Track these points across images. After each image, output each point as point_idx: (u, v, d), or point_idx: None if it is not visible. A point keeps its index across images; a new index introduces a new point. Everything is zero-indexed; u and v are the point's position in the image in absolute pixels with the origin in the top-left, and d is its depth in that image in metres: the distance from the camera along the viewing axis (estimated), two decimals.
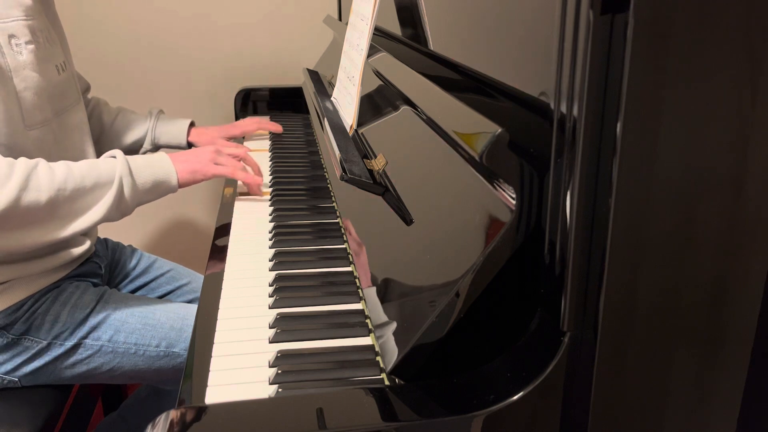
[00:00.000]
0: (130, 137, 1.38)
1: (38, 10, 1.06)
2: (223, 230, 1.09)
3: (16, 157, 0.94)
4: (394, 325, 0.69)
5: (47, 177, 0.92)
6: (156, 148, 1.42)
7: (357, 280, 0.88)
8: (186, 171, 1.08)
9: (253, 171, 1.22)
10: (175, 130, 1.41)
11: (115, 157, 1.02)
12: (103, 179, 0.97)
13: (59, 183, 0.93)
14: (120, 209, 1.00)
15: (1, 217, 0.88)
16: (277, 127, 1.58)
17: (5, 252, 0.96)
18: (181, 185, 1.08)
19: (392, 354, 0.66)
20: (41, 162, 0.94)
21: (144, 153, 1.41)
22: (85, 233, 1.14)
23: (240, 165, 1.17)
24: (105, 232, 1.34)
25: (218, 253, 1.01)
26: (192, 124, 1.44)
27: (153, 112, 1.42)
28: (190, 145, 1.43)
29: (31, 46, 0.99)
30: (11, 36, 0.97)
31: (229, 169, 1.14)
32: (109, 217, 0.99)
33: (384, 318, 0.73)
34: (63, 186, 0.93)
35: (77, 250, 1.11)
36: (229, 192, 1.24)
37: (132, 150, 1.41)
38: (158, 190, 1.05)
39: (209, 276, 0.93)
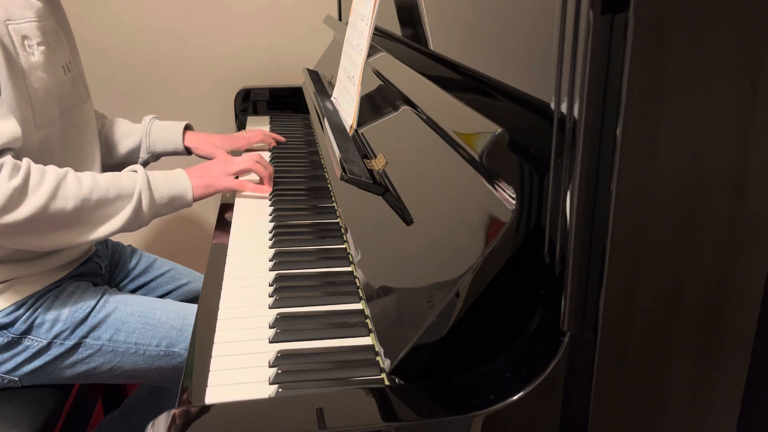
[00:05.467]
0: (125, 146, 1.35)
1: (48, 11, 1.06)
2: (223, 230, 1.09)
3: (21, 156, 0.95)
4: (394, 325, 0.69)
5: (75, 186, 0.96)
6: (154, 155, 1.38)
7: (357, 280, 0.88)
8: (200, 186, 1.12)
9: (265, 178, 1.23)
10: (169, 135, 1.38)
11: (136, 171, 1.06)
12: (125, 191, 1.02)
13: (85, 193, 0.97)
14: (137, 221, 1.03)
15: (29, 222, 0.92)
16: (281, 138, 1.56)
17: (22, 250, 0.99)
18: (195, 200, 1.12)
19: (392, 354, 0.66)
20: (70, 171, 0.98)
21: (143, 162, 1.38)
22: None
23: (253, 167, 1.20)
24: None
25: (218, 252, 1.01)
26: (188, 127, 1.40)
27: (147, 119, 1.39)
28: (188, 151, 1.40)
29: (42, 48, 1.00)
30: (24, 37, 0.98)
31: (238, 184, 1.18)
32: (127, 227, 1.02)
33: (384, 318, 0.73)
34: (88, 196, 0.97)
35: (78, 250, 1.12)
36: (229, 192, 1.24)
37: (130, 160, 1.38)
38: (174, 204, 1.09)
39: (209, 276, 0.93)
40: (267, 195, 1.23)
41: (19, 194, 0.91)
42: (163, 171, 1.10)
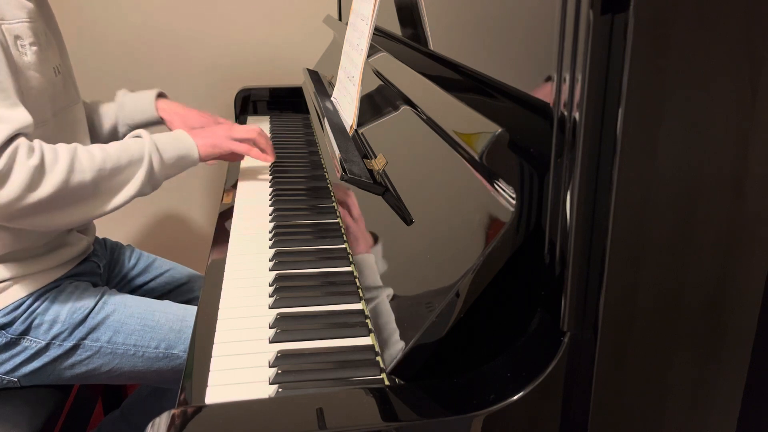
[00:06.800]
0: (106, 125, 1.34)
1: (38, 12, 1.06)
2: (222, 230, 1.09)
3: None
4: (394, 325, 0.69)
5: (88, 159, 0.98)
6: (130, 127, 1.34)
7: (357, 280, 0.88)
8: (206, 145, 1.15)
9: (267, 149, 1.26)
10: (141, 104, 1.35)
11: (140, 136, 1.08)
12: (135, 157, 1.04)
13: (99, 163, 0.99)
14: (151, 183, 1.06)
15: (53, 198, 0.94)
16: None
17: (53, 229, 1.03)
18: (202, 159, 1.14)
19: (392, 354, 0.66)
20: (78, 146, 1.00)
21: (123, 136, 1.29)
22: (83, 231, 1.16)
23: (256, 139, 1.23)
24: (104, 231, 1.34)
25: (218, 252, 1.01)
26: (161, 95, 1.37)
27: (119, 93, 1.36)
28: (162, 121, 1.37)
29: (34, 48, 1.01)
30: (17, 37, 0.98)
31: (245, 147, 1.20)
32: (143, 191, 1.05)
33: (384, 318, 0.73)
34: (103, 166, 0.99)
35: (75, 249, 1.12)
36: (229, 193, 1.25)
37: (112, 138, 1.34)
38: (182, 163, 1.11)
39: (209, 276, 0.93)
40: (268, 180, 1.26)
41: (39, 173, 0.92)
42: (165, 133, 1.12)
